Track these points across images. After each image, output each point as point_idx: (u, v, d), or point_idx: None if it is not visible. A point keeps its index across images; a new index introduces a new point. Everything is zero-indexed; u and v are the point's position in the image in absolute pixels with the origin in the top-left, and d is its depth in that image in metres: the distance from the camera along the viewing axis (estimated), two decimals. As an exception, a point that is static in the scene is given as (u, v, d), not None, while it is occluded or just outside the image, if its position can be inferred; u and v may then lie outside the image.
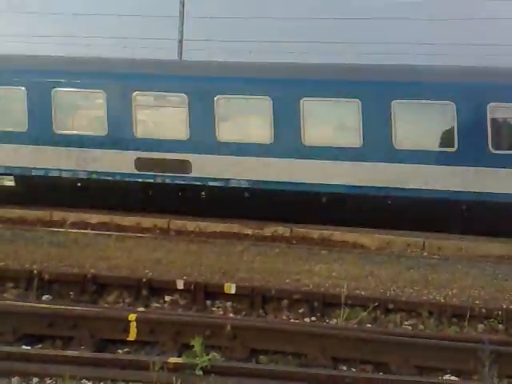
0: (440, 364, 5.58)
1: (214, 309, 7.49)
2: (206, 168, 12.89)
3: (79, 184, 13.37)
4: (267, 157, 12.67)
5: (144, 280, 7.67)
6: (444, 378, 5.47)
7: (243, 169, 12.80)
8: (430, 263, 9.86)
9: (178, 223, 12.54)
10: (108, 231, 11.55)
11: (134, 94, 13.16)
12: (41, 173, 13.47)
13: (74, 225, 12.05)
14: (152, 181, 13.14)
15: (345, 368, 5.63)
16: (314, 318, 7.22)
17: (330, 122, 12.90)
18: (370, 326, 6.89)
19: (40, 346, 5.80)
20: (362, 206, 12.27)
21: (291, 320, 7.19)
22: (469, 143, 11.97)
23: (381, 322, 7.09)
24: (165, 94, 13.30)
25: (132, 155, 13.14)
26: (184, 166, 12.97)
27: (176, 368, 4.83)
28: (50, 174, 13.44)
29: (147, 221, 12.66)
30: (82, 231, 11.28)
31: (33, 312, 6.03)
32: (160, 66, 14.22)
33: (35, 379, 4.69)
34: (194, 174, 12.98)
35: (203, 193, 12.96)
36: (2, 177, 13.64)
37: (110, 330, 5.82)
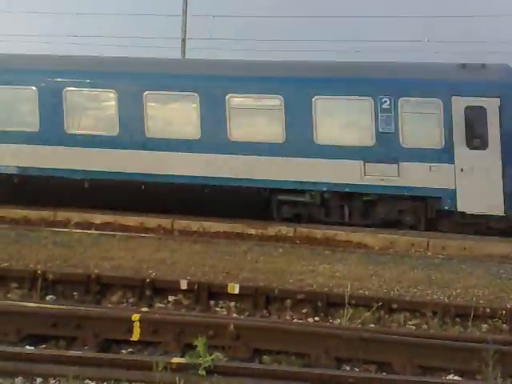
0: (444, 364, 5.56)
1: (217, 309, 7.49)
2: None
3: None
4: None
5: (148, 280, 7.68)
6: (448, 377, 5.46)
7: None
8: (433, 263, 9.84)
9: (181, 223, 12.55)
10: (112, 231, 11.56)
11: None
12: None
13: (78, 225, 12.07)
14: None
15: (348, 368, 5.62)
16: (317, 318, 7.22)
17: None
18: (373, 325, 6.88)
19: (44, 346, 5.81)
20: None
21: (295, 320, 7.18)
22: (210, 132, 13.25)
23: (384, 322, 7.09)
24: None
25: None
26: None
27: (179, 368, 4.84)
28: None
29: (151, 221, 12.67)
30: (86, 231, 11.30)
31: (37, 312, 6.04)
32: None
33: (39, 379, 4.71)
34: None
35: None
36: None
37: (114, 330, 5.82)
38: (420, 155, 12.44)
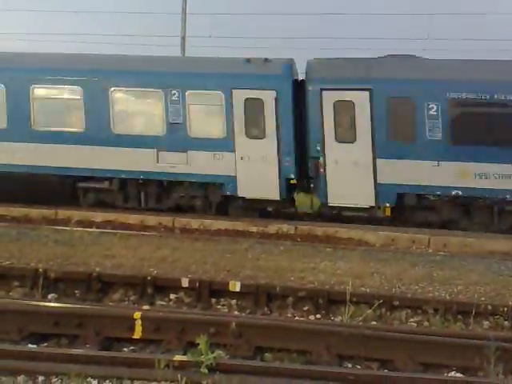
0: (445, 361, 5.58)
1: (218, 307, 7.50)
2: None
3: None
4: None
5: (149, 278, 7.68)
6: (449, 374, 5.47)
7: None
8: (435, 260, 9.83)
9: (182, 221, 12.58)
10: (113, 229, 11.57)
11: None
12: None
13: (79, 223, 12.07)
14: None
15: (350, 365, 5.63)
16: (318, 316, 7.22)
17: None
18: (375, 323, 6.88)
19: (46, 344, 5.83)
20: None
21: (296, 317, 7.18)
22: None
23: (386, 320, 7.08)
24: None
25: None
26: None
27: (181, 366, 4.84)
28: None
29: (152, 219, 12.70)
30: (87, 230, 11.29)
31: (38, 311, 6.05)
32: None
33: (41, 377, 4.72)
34: None
35: None
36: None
37: (116, 328, 5.84)
38: (205, 144, 13.28)
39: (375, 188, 12.64)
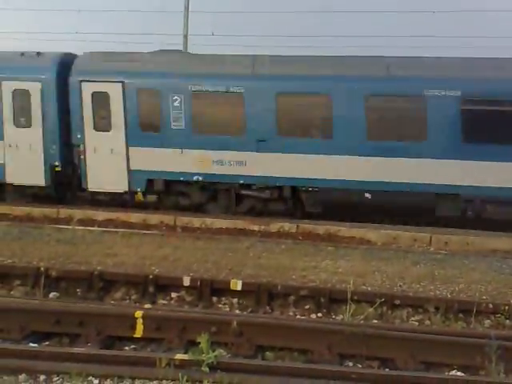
0: (447, 359, 5.58)
1: (220, 305, 7.51)
2: None
3: None
4: None
5: (150, 277, 7.69)
6: (451, 373, 5.47)
7: None
8: (436, 258, 9.82)
9: (184, 220, 12.57)
10: (114, 228, 11.57)
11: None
12: None
13: (81, 222, 12.08)
14: None
15: (351, 364, 5.64)
16: (320, 314, 7.22)
17: None
18: (376, 321, 6.88)
19: (47, 343, 5.84)
20: None
21: (297, 316, 7.19)
22: None
23: (387, 318, 7.09)
24: None
25: None
26: None
27: (182, 364, 4.85)
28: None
29: (153, 217, 12.70)
30: (89, 228, 11.30)
31: (40, 309, 6.06)
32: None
33: (42, 376, 4.73)
34: None
35: None
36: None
37: (117, 326, 5.85)
38: None
39: (128, 174, 13.52)
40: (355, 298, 7.08)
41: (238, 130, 12.93)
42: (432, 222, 12.71)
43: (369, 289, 7.70)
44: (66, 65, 13.72)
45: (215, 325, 5.75)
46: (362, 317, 6.85)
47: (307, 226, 12.23)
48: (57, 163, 13.68)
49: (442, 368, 5.57)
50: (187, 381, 4.62)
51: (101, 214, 12.83)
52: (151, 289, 7.63)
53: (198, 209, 13.61)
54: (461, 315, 7.04)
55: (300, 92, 12.74)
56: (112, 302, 7.50)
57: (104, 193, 13.74)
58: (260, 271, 8.28)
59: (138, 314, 5.88)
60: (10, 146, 13.73)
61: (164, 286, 7.71)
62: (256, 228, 12.20)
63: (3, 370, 4.76)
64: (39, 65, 13.69)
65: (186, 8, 22.83)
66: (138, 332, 5.85)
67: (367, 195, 12.73)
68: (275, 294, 7.49)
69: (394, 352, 5.59)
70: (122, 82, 13.24)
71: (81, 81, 13.34)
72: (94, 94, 13.37)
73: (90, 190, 13.70)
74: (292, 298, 7.47)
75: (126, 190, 13.57)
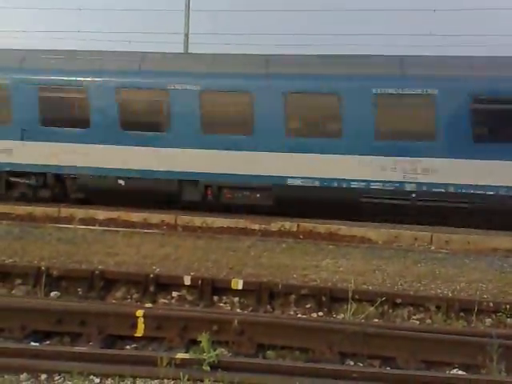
0: (448, 358, 5.57)
1: (221, 304, 7.51)
2: None
3: None
4: None
5: (151, 276, 7.69)
6: (452, 372, 5.47)
7: None
8: (437, 257, 9.83)
9: (185, 219, 12.58)
10: (115, 227, 11.58)
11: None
12: None
13: (82, 221, 12.10)
14: None
15: (352, 363, 5.64)
16: (321, 313, 7.22)
17: None
18: (377, 320, 6.88)
19: (48, 342, 5.84)
20: None
21: (298, 315, 7.19)
22: None
23: (388, 317, 7.09)
24: None
25: None
26: None
27: (183, 364, 4.85)
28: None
29: (154, 217, 12.71)
30: (90, 227, 11.32)
31: (41, 308, 6.06)
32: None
33: (43, 375, 4.73)
34: None
35: None
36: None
37: (118, 326, 5.85)
38: None
39: None
40: (356, 296, 7.07)
41: (5, 119, 13.93)
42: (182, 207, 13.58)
43: (370, 288, 7.69)
44: None
45: (216, 324, 5.75)
46: (363, 316, 6.85)
47: (308, 224, 12.24)
48: None
49: (443, 367, 5.57)
50: (188, 380, 4.62)
51: (102, 213, 12.87)
52: (152, 288, 7.63)
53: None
54: (462, 314, 7.04)
55: (59, 85, 13.75)
56: (113, 301, 7.50)
57: None
58: (261, 270, 8.29)
59: (139, 313, 5.88)
60: None
61: (165, 285, 7.70)
62: (257, 227, 12.22)
63: (4, 369, 4.75)
64: None
65: (187, 7, 22.81)
66: (139, 331, 5.85)
67: (120, 181, 13.65)
68: (276, 293, 7.49)
69: (395, 351, 5.59)
70: None
71: None
72: None
73: None
74: (293, 296, 7.47)
75: None
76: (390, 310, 7.17)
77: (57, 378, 4.71)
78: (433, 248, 11.03)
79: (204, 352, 4.89)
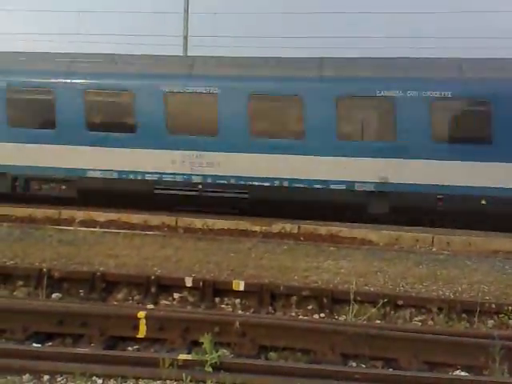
0: (450, 360, 5.56)
1: (222, 306, 7.50)
2: None
3: None
4: None
5: (153, 277, 7.68)
6: (454, 373, 5.46)
7: None
8: (439, 259, 9.82)
9: (185, 220, 12.59)
10: (116, 229, 11.58)
11: None
12: None
13: (83, 223, 12.11)
14: None
15: (354, 364, 5.63)
16: (322, 315, 7.21)
17: None
18: (379, 322, 6.87)
19: (50, 343, 5.84)
20: None
21: (300, 317, 7.18)
22: None
23: (390, 318, 7.08)
24: None
25: None
26: None
27: (185, 365, 4.84)
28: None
29: (155, 218, 12.71)
30: (91, 229, 11.31)
31: (42, 310, 6.05)
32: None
33: (46, 376, 4.72)
34: None
35: None
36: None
37: (120, 327, 5.84)
38: None
39: None
40: (358, 298, 7.05)
41: None
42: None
43: (371, 289, 7.69)
44: None
45: (218, 325, 5.74)
46: (364, 317, 6.84)
47: (309, 226, 12.25)
48: None
49: (445, 368, 5.56)
50: (190, 381, 4.62)
51: (102, 215, 12.85)
52: (153, 289, 7.62)
53: None
54: (464, 315, 7.03)
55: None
56: (115, 302, 7.50)
57: None
58: (262, 272, 8.28)
59: (141, 314, 5.87)
60: None
61: (166, 286, 7.69)
62: (258, 229, 12.22)
63: (7, 370, 4.75)
64: None
65: (186, 9, 22.85)
66: (141, 332, 5.84)
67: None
68: (278, 294, 7.48)
69: (398, 352, 5.58)
70: None
71: None
72: None
73: None
74: (294, 298, 7.46)
75: None
76: (392, 312, 7.16)
77: (59, 379, 4.70)
78: (434, 250, 11.04)
79: (206, 353, 4.89)
